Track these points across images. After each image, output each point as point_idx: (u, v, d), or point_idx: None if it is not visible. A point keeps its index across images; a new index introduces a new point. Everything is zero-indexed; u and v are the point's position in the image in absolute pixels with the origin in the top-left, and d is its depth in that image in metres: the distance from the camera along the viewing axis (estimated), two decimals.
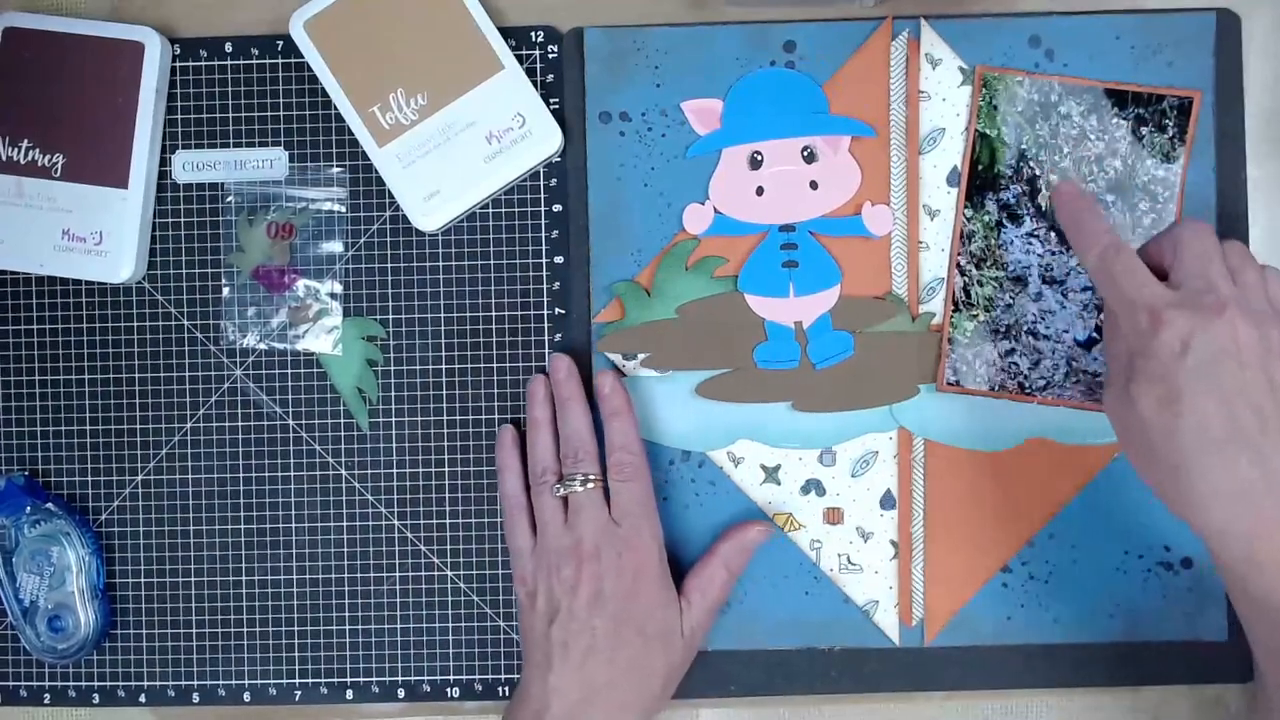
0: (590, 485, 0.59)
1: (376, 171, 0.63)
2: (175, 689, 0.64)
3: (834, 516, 0.63)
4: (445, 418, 0.64)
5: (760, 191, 0.62)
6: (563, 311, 0.64)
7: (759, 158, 0.62)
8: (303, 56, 0.62)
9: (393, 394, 0.64)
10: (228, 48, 0.64)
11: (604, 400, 0.61)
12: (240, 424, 0.64)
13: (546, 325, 0.64)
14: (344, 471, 0.64)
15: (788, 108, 0.62)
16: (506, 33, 0.63)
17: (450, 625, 0.64)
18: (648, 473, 0.61)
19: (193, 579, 0.64)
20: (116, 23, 0.63)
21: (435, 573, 0.64)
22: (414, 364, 0.64)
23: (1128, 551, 0.63)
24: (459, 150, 0.62)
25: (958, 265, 0.62)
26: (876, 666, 0.63)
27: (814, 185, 0.62)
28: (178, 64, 0.64)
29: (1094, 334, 0.62)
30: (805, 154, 0.62)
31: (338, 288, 0.64)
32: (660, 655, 0.59)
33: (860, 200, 0.62)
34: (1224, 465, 0.49)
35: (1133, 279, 0.51)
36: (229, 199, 0.64)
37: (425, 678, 0.64)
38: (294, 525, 0.64)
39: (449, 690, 0.64)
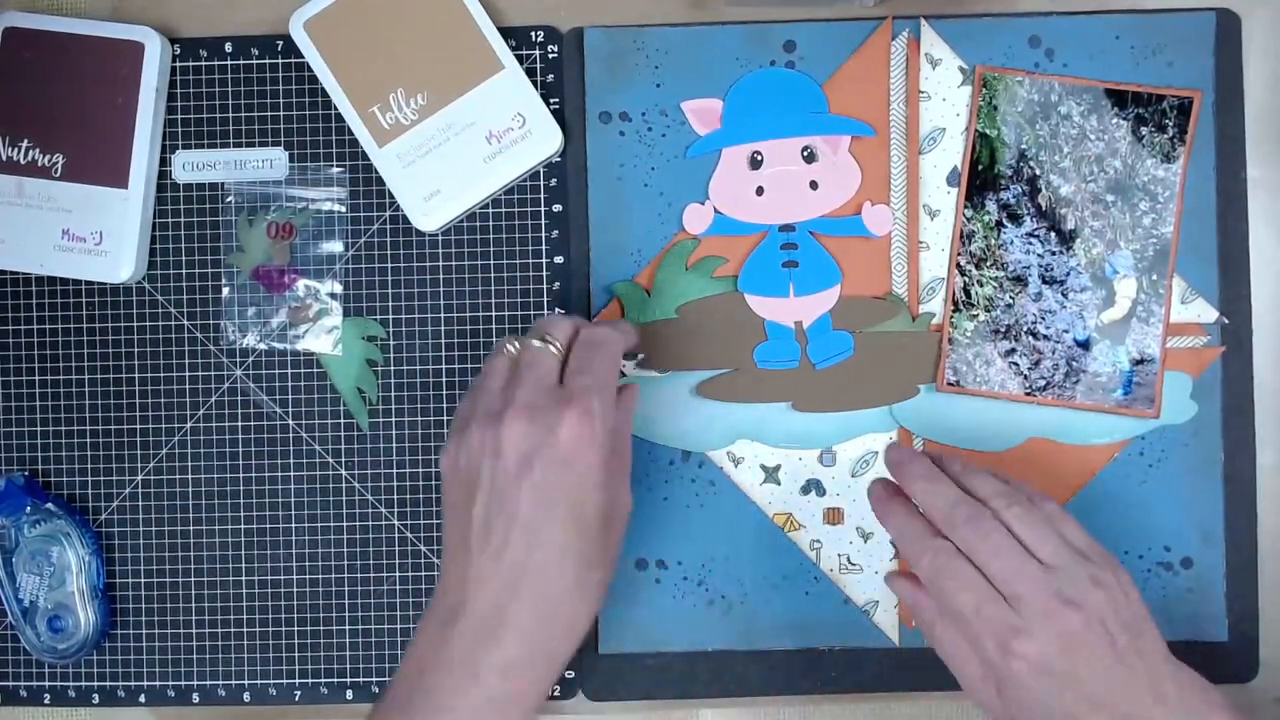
0: (548, 344, 0.53)
1: (376, 171, 0.63)
2: (175, 689, 0.64)
3: (834, 516, 0.63)
4: (445, 418, 0.64)
5: (760, 191, 0.62)
6: (562, 311, 0.64)
7: (759, 158, 0.62)
8: (303, 56, 0.62)
9: (393, 394, 0.64)
10: (228, 48, 0.64)
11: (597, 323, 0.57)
12: (240, 424, 0.64)
13: None
14: (344, 471, 0.64)
15: (788, 108, 0.62)
16: (506, 33, 0.63)
17: None
18: (616, 365, 0.55)
19: (193, 579, 0.64)
20: (116, 23, 0.63)
21: (435, 573, 0.64)
22: (414, 364, 0.64)
23: (1128, 551, 0.63)
24: (459, 150, 0.62)
25: (958, 265, 0.62)
26: (876, 666, 0.63)
27: (814, 185, 0.62)
28: (178, 64, 0.64)
29: (1094, 334, 0.62)
30: (805, 154, 0.62)
31: (338, 288, 0.64)
32: (598, 554, 0.52)
33: (860, 200, 0.62)
34: None
35: (971, 596, 0.51)
36: (229, 199, 0.64)
37: None
38: (294, 525, 0.64)
39: None
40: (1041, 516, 0.53)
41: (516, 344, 0.54)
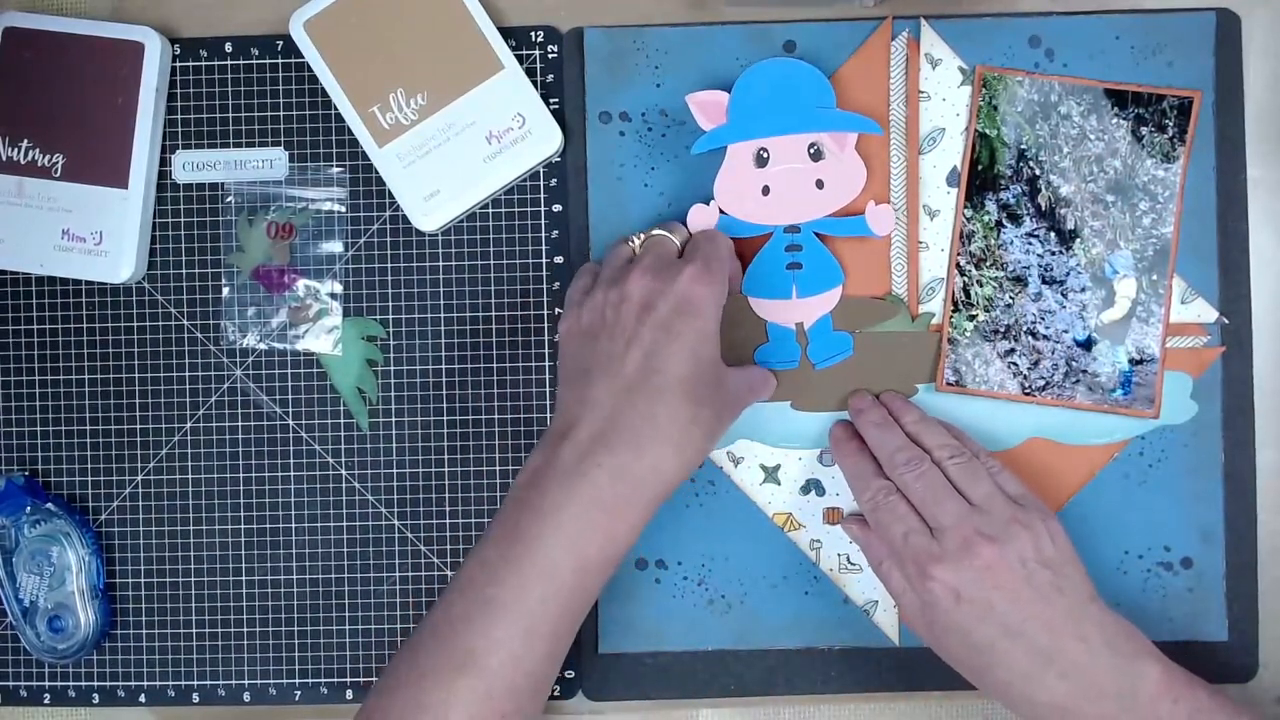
0: (667, 235, 0.58)
1: (376, 171, 0.63)
2: (175, 689, 0.64)
3: (834, 516, 0.63)
4: (445, 418, 0.64)
5: (766, 191, 0.62)
6: (562, 311, 0.64)
7: (765, 155, 0.62)
8: (303, 56, 0.62)
9: (393, 394, 0.64)
10: (228, 48, 0.64)
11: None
12: (240, 424, 0.64)
13: (546, 325, 0.64)
14: (344, 471, 0.64)
15: (794, 102, 0.62)
16: (506, 33, 0.63)
17: None
18: (730, 253, 0.59)
19: (193, 579, 0.64)
20: (116, 23, 0.63)
21: (435, 573, 0.64)
22: (414, 364, 0.64)
23: (1128, 551, 0.63)
24: (459, 150, 0.62)
25: (957, 265, 0.62)
26: (876, 666, 0.63)
27: (820, 184, 0.62)
28: (178, 64, 0.64)
29: (1094, 334, 0.62)
30: (812, 151, 0.62)
31: (338, 288, 0.64)
32: (709, 397, 0.55)
33: (865, 199, 0.62)
34: (1041, 688, 0.53)
35: (901, 527, 0.56)
36: (229, 199, 0.64)
37: None
38: (294, 525, 0.64)
39: None
40: (980, 466, 0.58)
41: (639, 237, 0.58)
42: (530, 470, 0.53)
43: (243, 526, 0.64)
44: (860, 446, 0.60)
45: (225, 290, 0.64)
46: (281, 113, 0.64)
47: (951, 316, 0.62)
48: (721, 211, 0.62)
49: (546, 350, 0.64)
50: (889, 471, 0.58)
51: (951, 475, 0.57)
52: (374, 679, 0.64)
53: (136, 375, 0.65)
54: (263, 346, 0.64)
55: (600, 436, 0.52)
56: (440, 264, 0.64)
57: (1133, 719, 0.52)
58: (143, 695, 0.64)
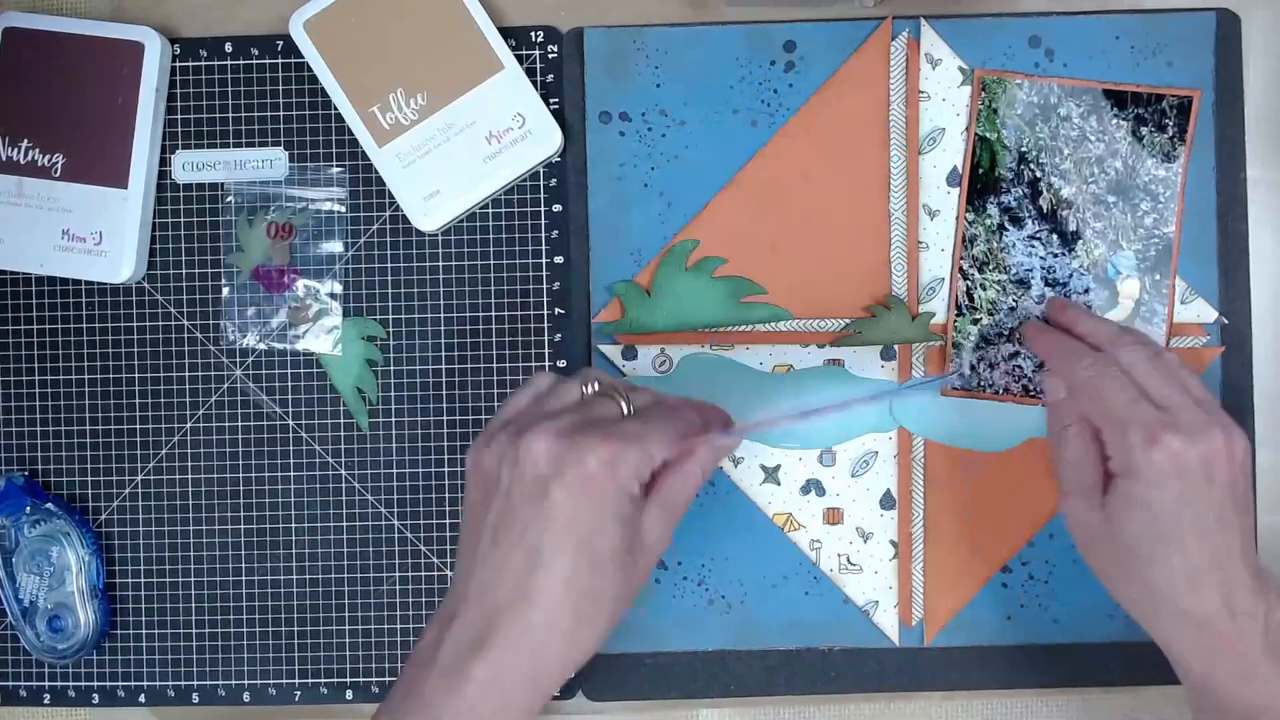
0: (617, 399, 0.52)
1: (376, 171, 0.62)
2: (175, 689, 0.64)
3: (834, 516, 0.63)
4: (445, 418, 0.64)
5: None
6: (563, 311, 0.64)
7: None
8: (303, 56, 0.62)
9: (393, 394, 0.64)
10: (228, 48, 0.64)
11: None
12: (240, 424, 0.64)
13: (546, 325, 0.64)
14: (344, 471, 0.64)
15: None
16: (506, 33, 0.63)
17: None
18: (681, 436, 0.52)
19: (193, 579, 0.64)
20: (116, 23, 0.63)
21: (435, 573, 0.64)
22: (414, 364, 0.64)
23: None
24: (459, 150, 0.62)
25: (960, 269, 0.62)
26: (876, 666, 0.63)
27: None
28: (178, 64, 0.64)
29: None
30: None
31: (338, 288, 0.64)
32: (607, 585, 0.49)
33: None
34: (1194, 594, 0.52)
35: (1129, 395, 0.53)
36: (229, 199, 0.64)
37: None
38: (294, 525, 0.64)
39: None
40: (1185, 371, 0.55)
41: (594, 385, 0.52)
42: (421, 648, 0.50)
43: (243, 526, 0.64)
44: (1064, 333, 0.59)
45: (225, 290, 0.64)
46: (281, 113, 0.64)
47: (955, 320, 0.62)
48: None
49: (546, 350, 0.64)
50: (1112, 349, 0.55)
51: (1171, 370, 0.55)
52: (374, 679, 0.64)
53: (136, 375, 0.65)
54: (263, 346, 0.64)
55: (477, 640, 0.48)
56: (440, 264, 0.64)
57: (1258, 647, 0.51)
58: (143, 695, 0.64)
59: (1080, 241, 0.62)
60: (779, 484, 0.63)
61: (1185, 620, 0.52)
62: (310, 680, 0.64)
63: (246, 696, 0.64)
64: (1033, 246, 0.62)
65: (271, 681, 0.64)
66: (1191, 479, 0.51)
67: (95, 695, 0.65)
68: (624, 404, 0.52)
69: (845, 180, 0.63)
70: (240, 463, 0.64)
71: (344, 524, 0.64)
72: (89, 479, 0.65)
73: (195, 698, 0.64)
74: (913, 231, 0.63)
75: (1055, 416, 0.57)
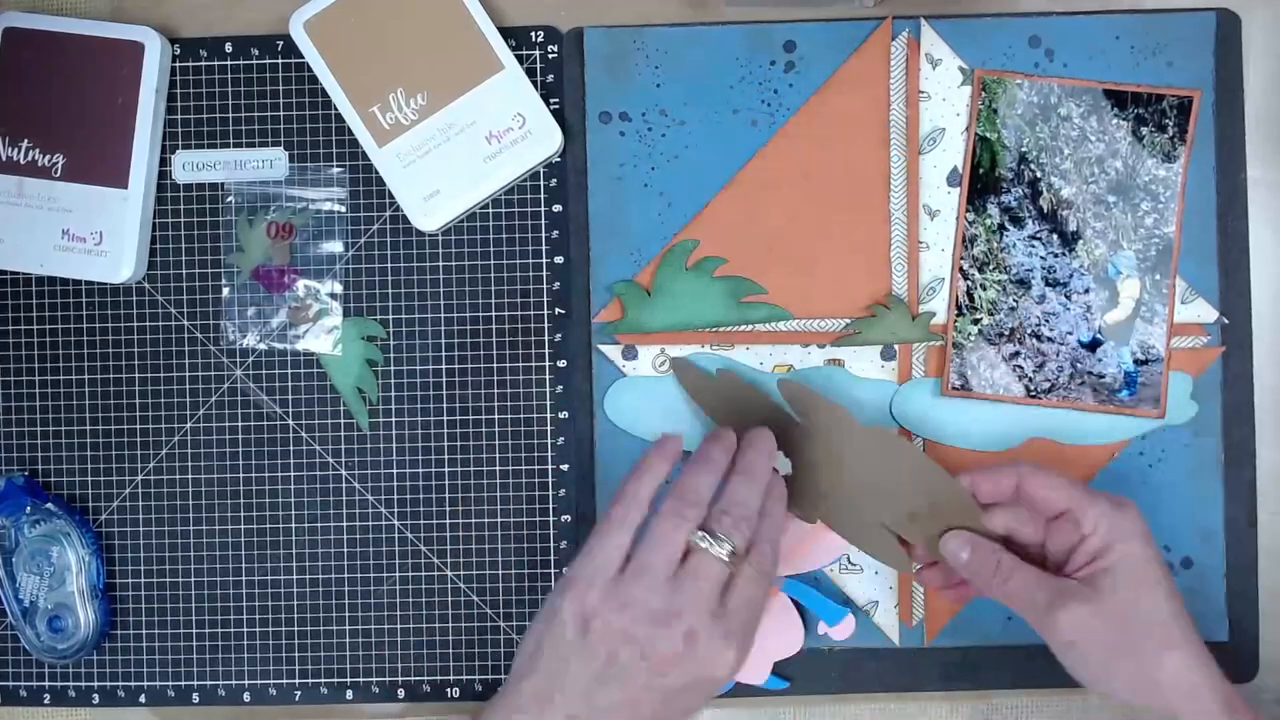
0: (730, 559, 0.52)
1: (376, 171, 0.62)
2: (175, 689, 0.64)
3: None
4: (445, 418, 0.64)
5: None
6: (563, 311, 0.64)
7: None
8: (303, 56, 0.62)
9: (393, 394, 0.64)
10: (228, 48, 0.64)
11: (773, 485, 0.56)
12: (240, 424, 0.64)
13: (546, 325, 0.64)
14: (344, 471, 0.64)
15: None
16: (506, 33, 0.63)
17: (450, 625, 0.64)
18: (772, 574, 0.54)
19: (193, 579, 0.64)
20: (116, 23, 0.63)
21: (435, 573, 0.64)
22: (414, 364, 0.64)
23: None
24: (459, 150, 0.62)
25: (960, 269, 0.62)
26: (876, 666, 0.63)
27: None
28: (178, 64, 0.64)
29: (1098, 336, 0.62)
30: None
31: (338, 288, 0.64)
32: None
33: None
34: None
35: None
36: (229, 199, 0.64)
37: (425, 678, 0.64)
38: (294, 525, 0.64)
39: (449, 690, 0.64)
40: None
41: (702, 541, 0.52)
42: None
43: (243, 526, 0.64)
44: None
45: (225, 290, 0.64)
46: (281, 113, 0.64)
47: (956, 321, 0.62)
48: None
49: (546, 350, 0.64)
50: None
51: None
52: (374, 679, 0.64)
53: (136, 375, 0.64)
54: (263, 346, 0.64)
55: None
56: (440, 264, 0.64)
57: None
58: (143, 695, 0.64)
59: (1080, 241, 0.62)
60: None
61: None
62: (310, 680, 0.64)
63: (246, 696, 0.64)
64: (1033, 246, 0.62)
65: (271, 681, 0.64)
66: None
67: (95, 695, 0.65)
68: (725, 557, 0.52)
69: (845, 180, 0.63)
70: (240, 463, 0.64)
71: (344, 524, 0.64)
72: (89, 479, 0.65)
73: (195, 698, 0.64)
74: (913, 231, 0.63)
75: (979, 567, 0.56)
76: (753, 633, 0.52)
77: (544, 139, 0.62)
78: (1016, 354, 0.62)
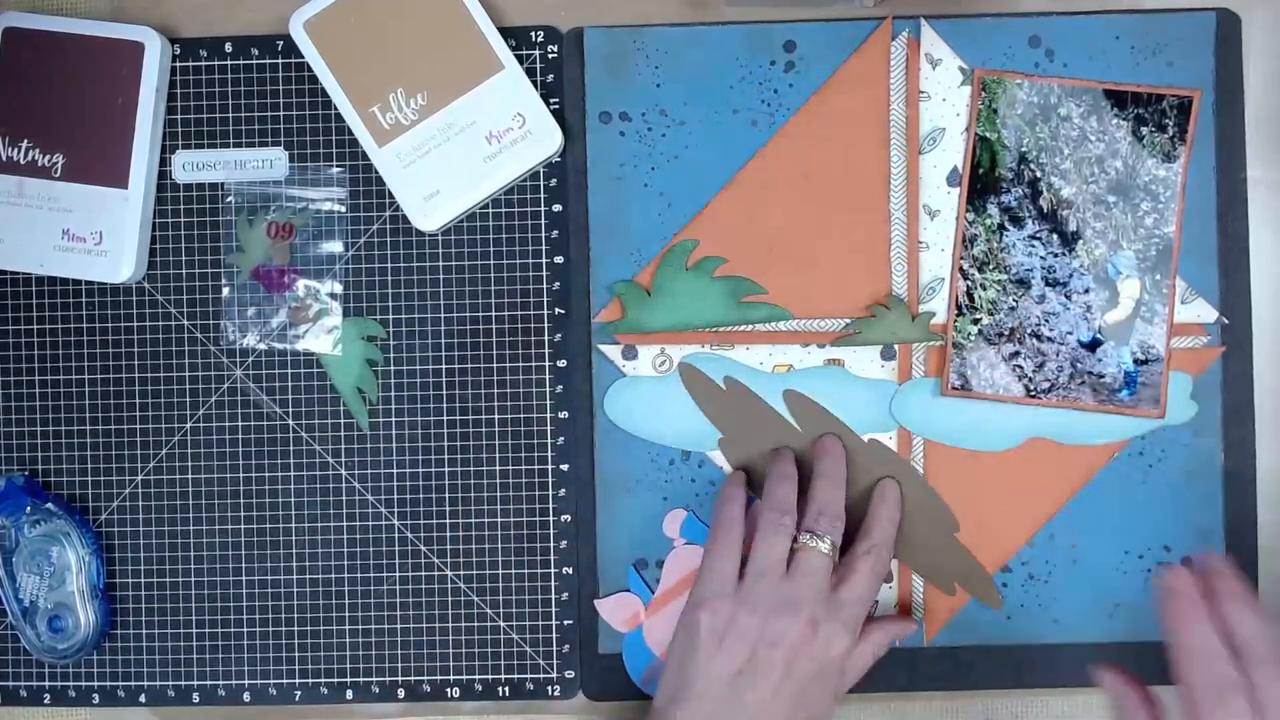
0: (831, 550, 0.58)
1: (376, 171, 0.62)
2: (175, 689, 0.64)
3: None
4: (445, 418, 0.64)
5: None
6: (563, 311, 0.64)
7: None
8: (303, 56, 0.62)
9: (393, 394, 0.64)
10: (228, 48, 0.64)
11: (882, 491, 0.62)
12: (240, 424, 0.64)
13: (546, 325, 0.64)
14: (344, 471, 0.64)
15: None
16: (506, 33, 0.63)
17: (450, 625, 0.64)
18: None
19: (193, 579, 0.64)
20: (116, 23, 0.63)
21: (435, 573, 0.64)
22: (414, 364, 0.64)
23: (1128, 551, 0.63)
24: (459, 150, 0.62)
25: (960, 269, 0.62)
26: (876, 666, 0.63)
27: None
28: (178, 64, 0.64)
29: (1098, 335, 0.62)
30: None
31: (338, 288, 0.64)
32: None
33: None
34: None
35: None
36: (229, 199, 0.64)
37: (425, 678, 0.64)
38: (294, 525, 0.64)
39: (449, 690, 0.64)
40: None
41: (803, 539, 0.58)
42: None
43: (243, 526, 0.64)
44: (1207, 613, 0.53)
45: (225, 290, 0.64)
46: (281, 113, 0.64)
47: (955, 321, 0.62)
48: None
49: (546, 350, 0.64)
50: (1251, 669, 0.51)
51: None
52: (374, 679, 0.64)
53: (136, 375, 0.65)
54: (263, 346, 0.64)
55: None
56: (440, 264, 0.64)
57: None
58: (143, 695, 0.64)
59: (1080, 241, 0.62)
60: None
61: None
62: (310, 680, 0.64)
63: (246, 696, 0.64)
64: (1033, 246, 0.62)
65: (271, 681, 0.64)
66: None
67: (95, 695, 0.65)
68: (825, 548, 0.58)
69: (845, 180, 0.63)
70: (240, 463, 0.64)
71: (344, 524, 0.64)
72: (89, 479, 0.65)
73: (195, 698, 0.64)
74: (913, 231, 0.63)
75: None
76: (859, 626, 0.59)
77: (544, 139, 0.62)
78: (1016, 354, 0.62)
